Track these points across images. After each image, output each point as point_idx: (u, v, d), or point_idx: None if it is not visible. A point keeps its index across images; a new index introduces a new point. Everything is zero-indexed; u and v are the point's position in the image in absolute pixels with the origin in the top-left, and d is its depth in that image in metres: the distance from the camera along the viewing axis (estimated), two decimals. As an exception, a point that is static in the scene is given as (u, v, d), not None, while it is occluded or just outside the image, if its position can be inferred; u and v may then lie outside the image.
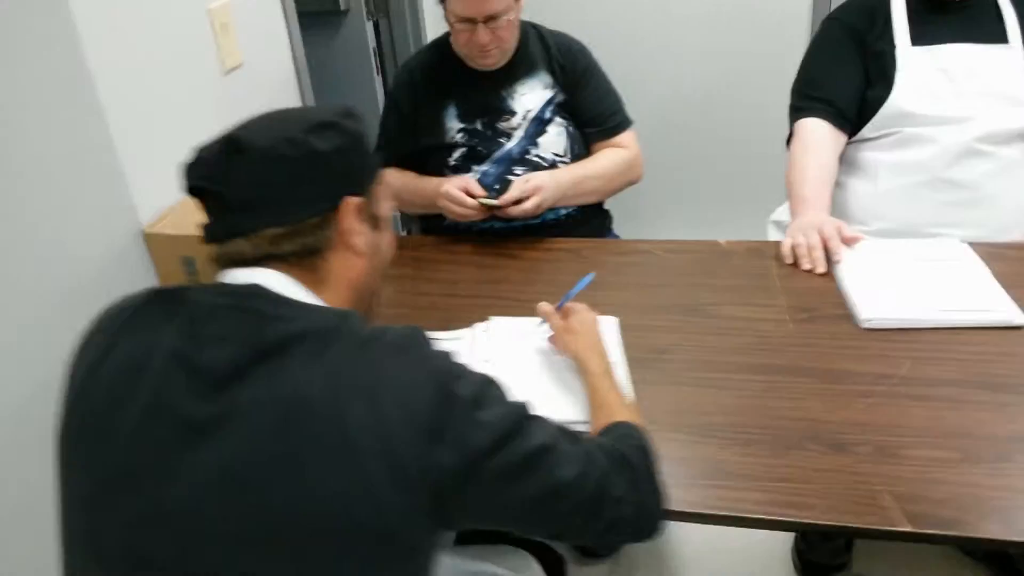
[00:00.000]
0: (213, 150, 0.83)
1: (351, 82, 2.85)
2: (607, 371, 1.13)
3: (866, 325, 1.33)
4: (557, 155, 1.82)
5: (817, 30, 1.87)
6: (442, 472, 0.74)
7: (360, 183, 0.89)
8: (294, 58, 1.91)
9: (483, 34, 1.69)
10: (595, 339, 1.20)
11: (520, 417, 0.81)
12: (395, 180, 1.79)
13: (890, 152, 1.74)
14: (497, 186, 1.78)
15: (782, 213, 1.94)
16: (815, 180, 1.69)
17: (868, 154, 1.77)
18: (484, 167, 1.81)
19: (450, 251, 1.71)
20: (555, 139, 1.82)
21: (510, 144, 1.80)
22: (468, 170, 1.81)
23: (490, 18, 1.67)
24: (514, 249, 1.69)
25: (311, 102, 1.97)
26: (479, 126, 1.81)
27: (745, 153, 2.95)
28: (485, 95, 1.82)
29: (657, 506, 0.90)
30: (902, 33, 1.74)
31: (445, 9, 1.72)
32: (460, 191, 1.66)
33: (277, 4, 1.84)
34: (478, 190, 1.67)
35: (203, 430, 0.74)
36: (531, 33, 1.85)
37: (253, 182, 0.82)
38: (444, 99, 1.83)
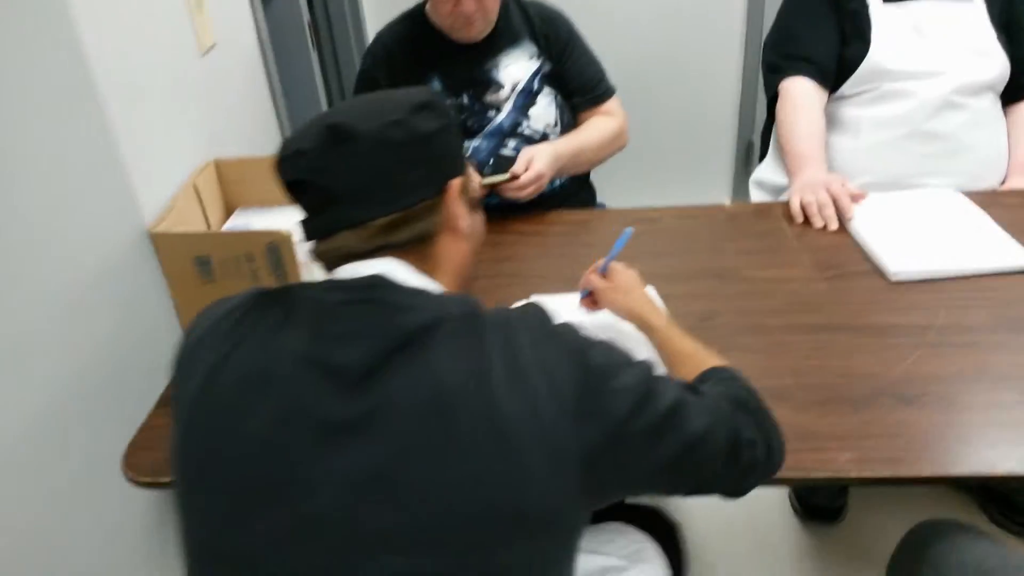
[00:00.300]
0: (313, 141, 0.79)
1: (286, 57, 2.70)
2: (671, 322, 1.12)
3: (895, 278, 1.37)
4: (548, 126, 1.78)
5: (790, -11, 1.89)
6: (592, 446, 0.73)
7: (457, 164, 0.87)
8: (259, 36, 1.79)
9: (468, 3, 1.62)
10: (645, 294, 1.18)
11: (649, 377, 0.80)
12: None
13: (870, 107, 1.79)
14: (491, 161, 1.73)
15: (764, 172, 1.97)
16: (811, 137, 1.72)
17: (849, 110, 1.81)
18: (475, 142, 1.75)
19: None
20: (545, 110, 1.78)
21: (500, 117, 1.75)
22: (459, 146, 1.75)
23: None
24: (518, 225, 1.65)
25: (278, 82, 1.86)
26: (466, 100, 1.75)
27: (689, 117, 2.99)
28: (469, 68, 1.75)
29: (780, 441, 0.90)
30: None
31: None
32: None
33: (239, -22, 1.72)
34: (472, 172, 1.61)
35: (346, 432, 0.71)
36: (510, 2, 1.79)
37: (363, 170, 0.78)
38: (426, 73, 1.75)
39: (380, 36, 1.80)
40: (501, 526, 0.70)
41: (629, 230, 1.25)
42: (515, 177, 1.60)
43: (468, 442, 0.70)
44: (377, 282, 0.78)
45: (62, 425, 1.01)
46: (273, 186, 1.51)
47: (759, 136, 2.16)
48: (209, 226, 1.43)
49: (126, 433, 1.17)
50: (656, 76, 2.92)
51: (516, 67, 1.76)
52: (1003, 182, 1.78)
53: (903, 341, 1.23)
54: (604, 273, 1.23)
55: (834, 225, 1.54)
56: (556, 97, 1.80)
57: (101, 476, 1.12)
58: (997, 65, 1.76)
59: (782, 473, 1.01)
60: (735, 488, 0.90)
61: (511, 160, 1.72)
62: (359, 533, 0.70)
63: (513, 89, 1.76)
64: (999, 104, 1.80)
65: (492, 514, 0.70)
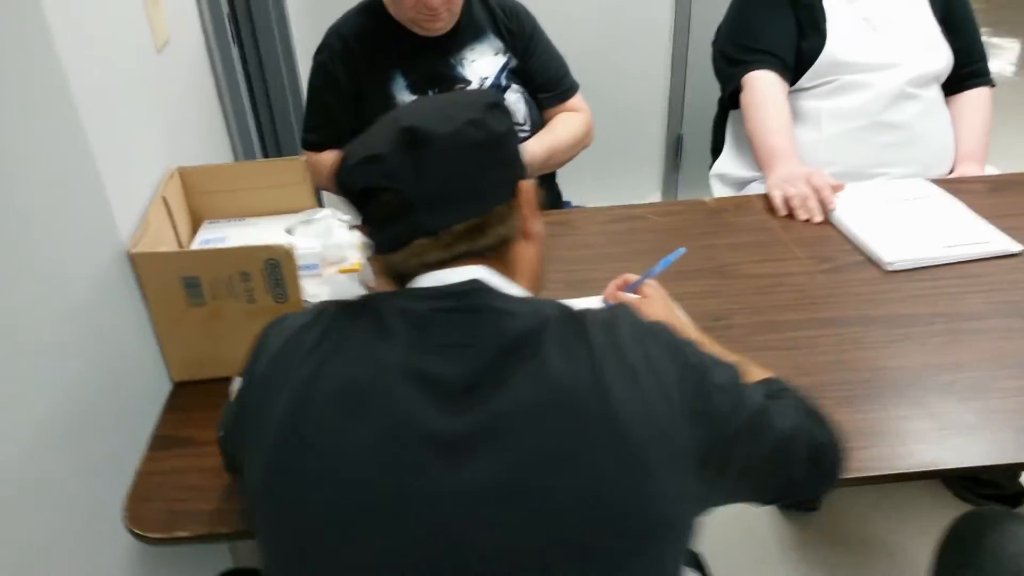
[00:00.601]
0: (387, 145, 0.75)
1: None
2: (708, 339, 1.09)
3: (890, 268, 1.39)
4: (518, 124, 1.72)
5: (744, -18, 1.90)
6: (706, 446, 0.72)
7: (523, 166, 0.84)
8: (204, 29, 1.64)
9: None
10: (677, 315, 1.15)
11: (737, 376, 0.80)
12: None
13: (829, 99, 1.82)
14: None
15: (726, 166, 1.98)
16: (782, 131, 1.73)
17: (809, 103, 1.84)
18: (446, 142, 1.67)
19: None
20: (514, 107, 1.72)
21: (470, 115, 1.67)
22: (429, 146, 1.66)
23: None
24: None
25: (222, 78, 1.71)
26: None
27: (617, 112, 2.99)
28: (433, 63, 1.67)
29: (845, 445, 0.89)
30: None
31: None
32: None
33: (181, -32, 1.57)
34: None
35: (461, 445, 0.68)
36: None
37: (444, 174, 0.75)
38: (389, 69, 1.66)
39: (336, 29, 1.69)
40: (628, 534, 0.68)
41: (681, 250, 1.21)
42: None
43: (591, 447, 0.68)
44: (475, 288, 0.75)
45: (35, 475, 0.88)
46: (242, 195, 1.41)
47: (711, 130, 2.17)
48: (181, 243, 1.29)
49: (112, 481, 1.03)
50: (583, 72, 2.90)
51: (482, 62, 1.69)
52: (951, 171, 1.86)
53: (915, 330, 1.25)
54: (636, 289, 1.19)
55: (819, 217, 1.55)
56: (524, 93, 1.74)
57: (85, 529, 0.98)
58: (943, 57, 1.83)
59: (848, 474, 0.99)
60: (815, 490, 0.89)
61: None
62: (481, 550, 0.67)
63: (482, 86, 1.69)
64: (943, 94, 1.87)
65: (619, 522, 0.68)
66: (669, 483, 0.70)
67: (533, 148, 1.65)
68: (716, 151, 2.10)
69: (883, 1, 1.82)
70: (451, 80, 1.68)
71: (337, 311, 0.78)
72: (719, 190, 1.98)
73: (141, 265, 1.11)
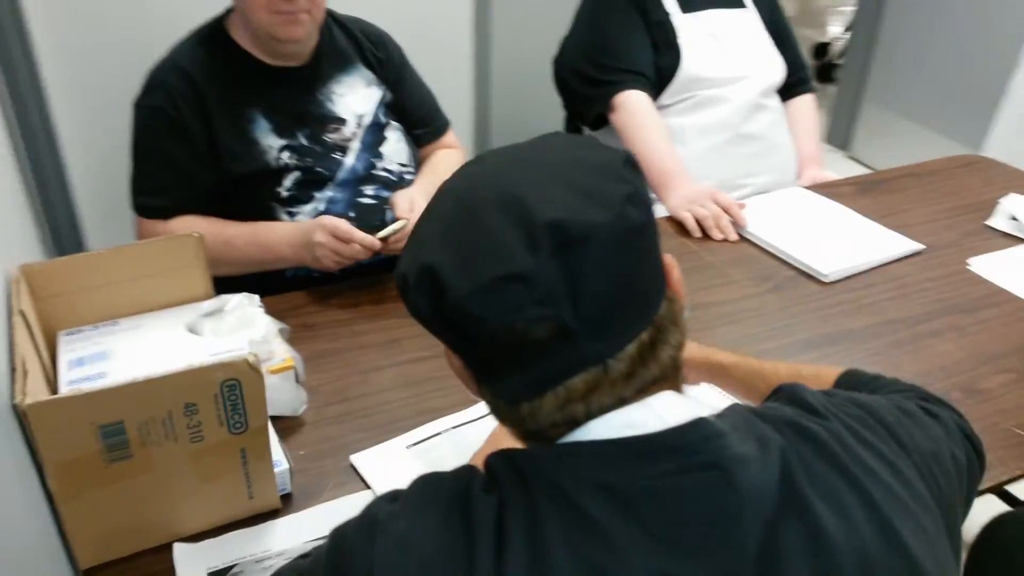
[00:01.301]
0: (521, 252, 0.53)
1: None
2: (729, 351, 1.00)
3: (828, 280, 1.39)
4: (403, 165, 1.51)
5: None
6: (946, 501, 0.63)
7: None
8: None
9: None
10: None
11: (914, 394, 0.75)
12: (214, 234, 1.29)
13: (691, 115, 1.82)
14: (352, 214, 1.42)
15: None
16: (670, 152, 1.70)
17: (672, 120, 1.82)
18: (328, 192, 1.41)
19: (356, 300, 1.31)
20: (396, 146, 1.51)
21: (350, 160, 1.44)
22: (308, 199, 1.40)
23: None
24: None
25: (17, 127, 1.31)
26: (304, 140, 1.40)
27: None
28: (297, 100, 1.41)
29: None
30: (671, 1, 1.81)
31: None
32: (344, 228, 1.27)
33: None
34: (355, 231, 1.29)
35: None
36: (330, 22, 1.48)
37: (607, 281, 0.55)
38: (246, 109, 1.37)
39: (172, 63, 1.36)
40: None
41: None
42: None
43: None
44: (702, 430, 0.56)
45: None
46: (108, 291, 1.05)
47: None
48: (49, 376, 0.93)
49: None
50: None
51: (353, 97, 1.46)
52: (798, 175, 1.94)
53: (881, 341, 1.25)
54: None
55: (733, 236, 1.52)
56: (403, 131, 1.53)
57: None
58: (780, 68, 1.90)
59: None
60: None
61: (372, 208, 1.43)
62: None
63: (359, 124, 1.45)
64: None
65: None
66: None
67: (428, 189, 1.45)
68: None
69: (724, 18, 1.86)
70: (322, 119, 1.42)
71: (491, 505, 0.55)
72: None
73: (37, 420, 0.76)
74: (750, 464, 0.54)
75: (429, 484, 0.61)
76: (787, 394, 0.67)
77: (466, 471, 0.61)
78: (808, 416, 0.61)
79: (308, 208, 1.40)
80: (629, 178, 0.58)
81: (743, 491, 0.53)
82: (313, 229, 1.29)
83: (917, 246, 1.48)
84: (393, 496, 0.62)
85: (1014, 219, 1.54)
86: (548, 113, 2.70)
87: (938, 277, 1.40)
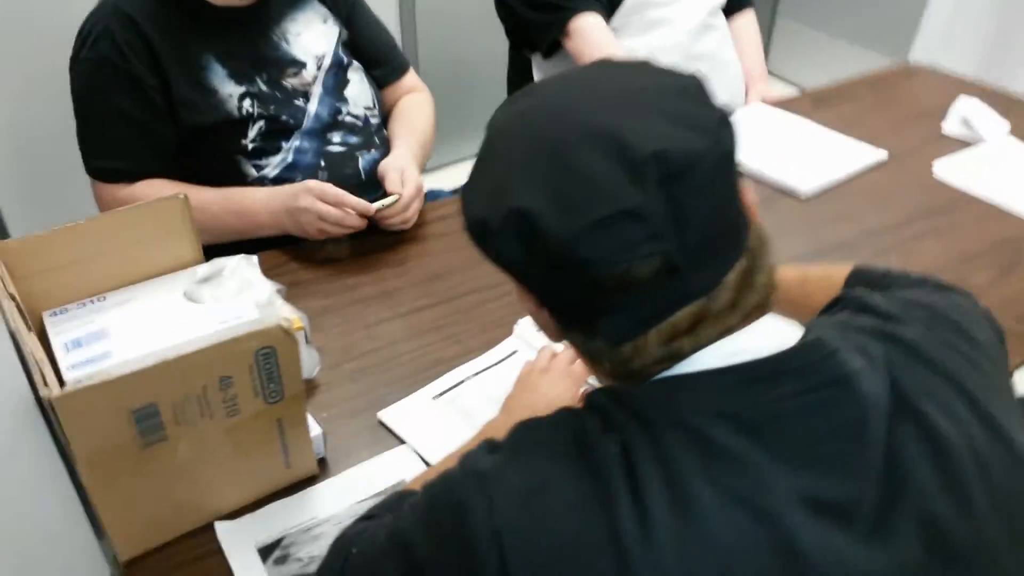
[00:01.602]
0: (625, 187, 0.51)
1: None
2: None
3: (806, 197, 1.41)
4: (368, 109, 1.43)
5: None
6: None
7: None
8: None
9: None
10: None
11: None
12: (194, 200, 1.19)
13: (641, 37, 1.80)
14: (323, 163, 1.35)
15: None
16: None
17: (625, 43, 1.79)
18: (295, 142, 1.33)
19: (339, 263, 1.25)
20: (360, 88, 1.43)
21: (313, 106, 1.35)
22: (275, 150, 1.32)
23: None
24: (402, 242, 1.31)
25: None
26: (263, 86, 1.31)
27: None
28: (252, 44, 1.32)
29: None
30: None
31: None
32: (332, 191, 1.21)
33: None
34: (346, 195, 1.22)
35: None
36: None
37: (707, 212, 0.53)
38: (199, 55, 1.27)
39: (112, 7, 1.23)
40: None
41: None
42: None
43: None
44: (821, 348, 0.55)
45: None
46: (90, 267, 0.96)
47: (507, 84, 2.05)
48: (38, 362, 0.85)
49: None
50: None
51: (310, 35, 1.37)
52: (746, 92, 1.95)
53: (878, 246, 1.28)
54: None
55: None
56: (363, 71, 1.45)
57: None
58: (723, -17, 1.89)
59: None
60: None
61: (343, 157, 1.36)
62: None
63: (320, 65, 1.37)
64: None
65: None
66: None
67: (413, 149, 1.38)
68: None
69: None
70: (279, 63, 1.33)
71: (613, 445, 0.53)
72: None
73: (67, 411, 0.70)
74: (864, 377, 0.54)
75: (533, 430, 0.59)
76: (854, 302, 0.67)
77: (568, 414, 0.59)
78: (888, 323, 0.62)
79: (276, 159, 1.32)
80: (713, 102, 0.57)
81: (865, 404, 0.53)
82: (297, 193, 1.21)
83: (882, 154, 1.52)
84: (491, 447, 0.60)
85: (966, 122, 1.59)
86: (480, 45, 2.63)
87: (908, 183, 1.45)
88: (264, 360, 0.79)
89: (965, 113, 1.59)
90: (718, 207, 0.54)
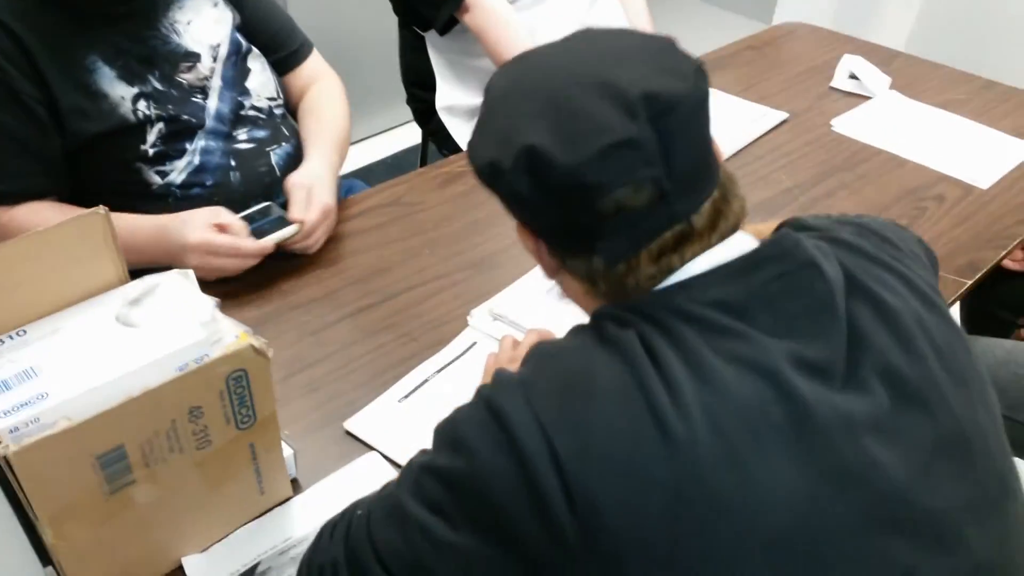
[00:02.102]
0: (623, 121, 0.58)
1: None
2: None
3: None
4: (271, 100, 1.35)
5: None
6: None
7: None
8: None
9: None
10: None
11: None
12: None
13: (532, 10, 1.78)
14: (233, 162, 1.26)
15: (450, 98, 1.83)
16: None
17: (521, 15, 1.77)
18: (200, 142, 1.24)
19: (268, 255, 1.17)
20: (262, 78, 1.34)
21: (212, 102, 1.26)
22: (179, 154, 1.22)
23: None
24: (332, 239, 1.24)
25: None
26: (157, 84, 1.21)
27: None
28: (137, 37, 1.20)
29: None
30: None
31: None
32: (220, 243, 1.11)
33: None
34: (240, 226, 1.12)
35: (886, 421, 0.59)
36: None
37: (689, 144, 0.61)
38: (83, 56, 1.15)
39: None
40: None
41: None
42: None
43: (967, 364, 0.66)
44: (794, 239, 0.64)
45: None
46: (35, 282, 0.84)
47: (400, 63, 1.98)
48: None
49: None
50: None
51: (202, 23, 1.27)
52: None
53: (795, 206, 1.33)
54: None
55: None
56: (263, 58, 1.36)
57: None
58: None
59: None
60: None
61: (253, 153, 1.28)
62: (941, 510, 0.59)
63: (215, 58, 1.27)
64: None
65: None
66: None
67: (326, 155, 1.28)
68: (418, 84, 1.92)
69: None
70: (171, 57, 1.22)
71: (631, 335, 0.59)
72: (454, 123, 1.84)
73: (25, 467, 0.62)
74: (824, 262, 0.63)
75: (550, 344, 0.64)
76: (791, 225, 0.74)
77: (579, 326, 0.65)
78: (826, 232, 0.70)
79: (181, 163, 1.22)
80: (687, 55, 0.64)
81: (830, 281, 0.62)
82: (185, 249, 1.10)
83: (782, 114, 1.57)
84: (506, 370, 0.62)
85: (853, 77, 1.67)
86: (362, 23, 2.54)
87: (811, 141, 1.51)
88: (235, 384, 0.73)
89: (852, 69, 1.67)
90: (697, 141, 0.62)
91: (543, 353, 0.62)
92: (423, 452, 0.64)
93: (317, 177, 1.21)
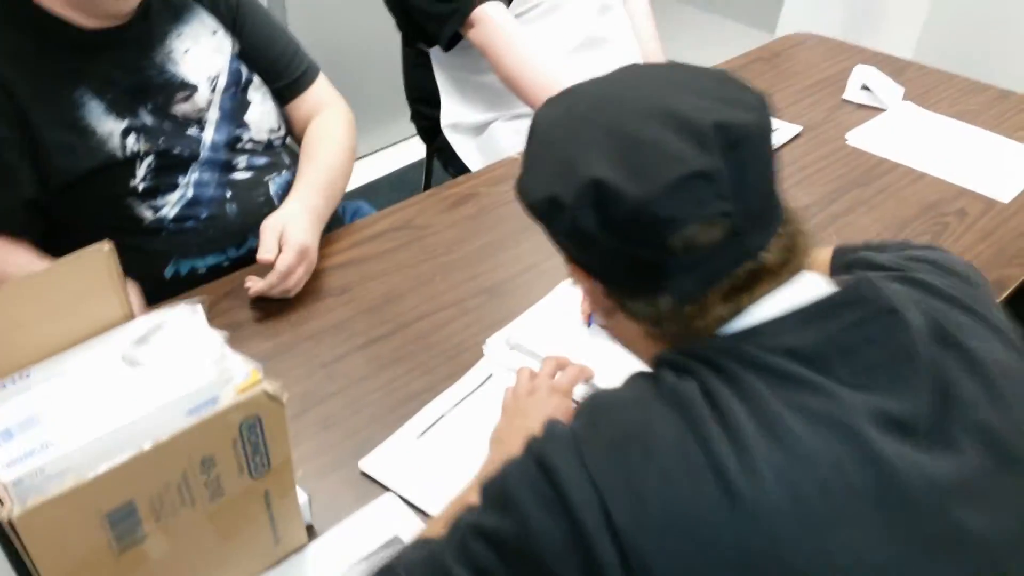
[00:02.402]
0: (695, 153, 0.55)
1: None
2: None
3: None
4: (272, 132, 1.31)
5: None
6: None
7: None
8: None
9: None
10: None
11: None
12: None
13: (540, 22, 1.76)
14: (228, 194, 1.22)
15: (455, 116, 1.81)
16: (551, 60, 1.63)
17: (525, 29, 1.75)
18: (194, 174, 1.20)
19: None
20: (263, 110, 1.30)
21: (208, 134, 1.22)
22: (171, 188, 1.18)
23: None
24: (339, 267, 1.22)
25: None
26: (148, 119, 1.17)
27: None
28: (131, 67, 1.17)
29: None
30: None
31: None
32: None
33: None
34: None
35: (974, 483, 0.55)
36: None
37: (759, 177, 0.59)
38: (71, 91, 1.12)
39: None
40: None
41: None
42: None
43: None
44: (875, 286, 0.60)
45: None
46: (39, 321, 0.80)
47: (404, 79, 1.96)
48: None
49: None
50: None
51: (200, 51, 1.24)
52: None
53: (812, 223, 1.29)
54: None
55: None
56: (264, 87, 1.32)
57: None
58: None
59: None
60: None
61: (251, 183, 1.25)
62: None
63: (213, 89, 1.23)
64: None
65: None
66: None
67: (310, 193, 1.21)
68: (423, 100, 1.90)
69: None
70: (166, 88, 1.18)
71: (692, 386, 0.56)
72: (459, 140, 1.81)
73: (31, 530, 0.59)
74: (906, 308, 0.59)
75: (605, 393, 0.61)
76: (862, 263, 0.73)
77: (637, 374, 0.62)
78: (901, 272, 0.67)
79: (173, 197, 1.18)
80: (748, 86, 0.62)
81: (914, 329, 0.58)
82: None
83: (796, 128, 1.55)
84: (558, 422, 0.59)
85: (865, 88, 1.64)
86: (361, 38, 2.52)
87: (827, 155, 1.48)
88: (249, 432, 0.70)
89: (864, 80, 1.64)
90: (765, 174, 0.59)
91: (597, 405, 0.59)
92: (470, 510, 0.60)
93: (291, 216, 1.14)
